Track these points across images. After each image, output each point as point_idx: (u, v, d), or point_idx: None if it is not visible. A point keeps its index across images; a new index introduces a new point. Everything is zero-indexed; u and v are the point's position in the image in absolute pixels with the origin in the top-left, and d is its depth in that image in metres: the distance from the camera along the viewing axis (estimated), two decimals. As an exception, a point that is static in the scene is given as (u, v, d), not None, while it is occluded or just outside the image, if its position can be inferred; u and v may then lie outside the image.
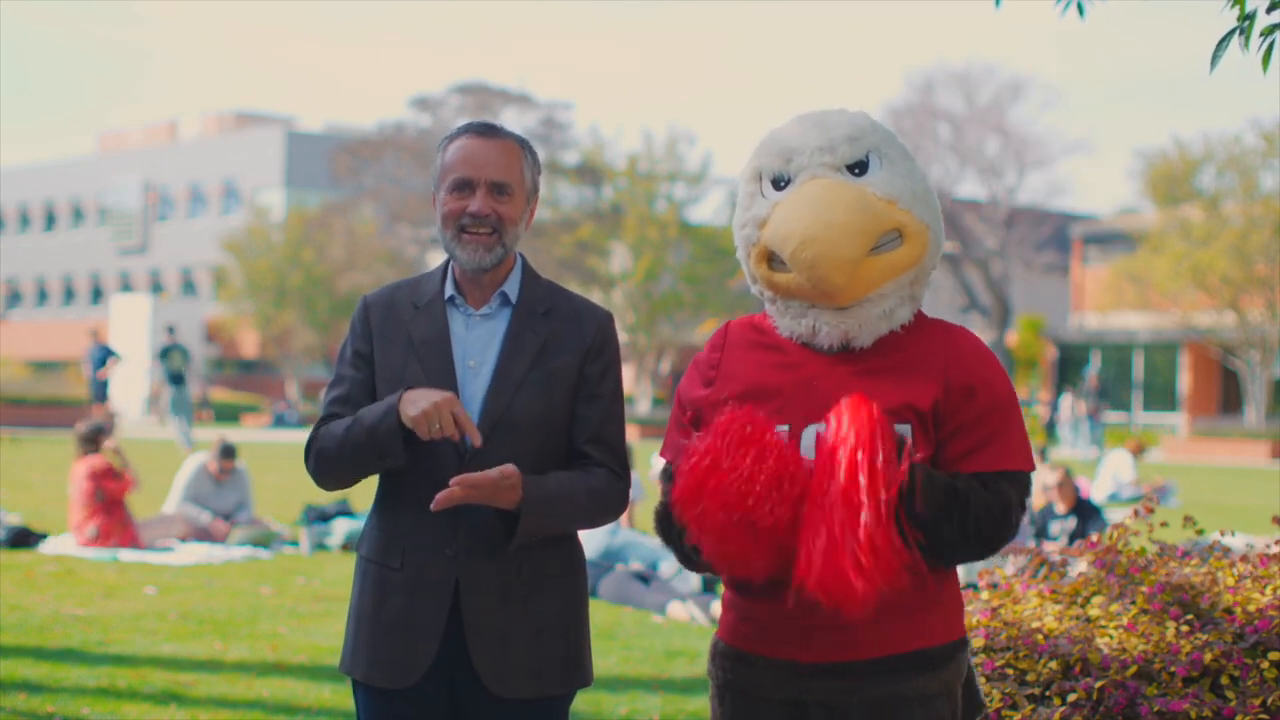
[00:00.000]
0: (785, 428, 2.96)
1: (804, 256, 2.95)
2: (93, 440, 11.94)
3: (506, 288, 3.30)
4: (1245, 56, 3.82)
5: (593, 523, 3.29)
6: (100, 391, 25.44)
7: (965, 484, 2.93)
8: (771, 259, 3.04)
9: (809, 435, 2.95)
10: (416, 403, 3.09)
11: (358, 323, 3.33)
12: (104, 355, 25.31)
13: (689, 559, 3.06)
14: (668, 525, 3.07)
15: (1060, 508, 11.36)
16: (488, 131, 3.29)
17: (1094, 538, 4.65)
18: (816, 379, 3.01)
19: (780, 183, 3.06)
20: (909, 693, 2.97)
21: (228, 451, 12.68)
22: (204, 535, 12.15)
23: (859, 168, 3.03)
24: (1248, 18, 3.81)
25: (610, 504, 3.28)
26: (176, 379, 24.40)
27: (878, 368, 3.00)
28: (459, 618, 3.20)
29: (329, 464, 3.26)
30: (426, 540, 3.21)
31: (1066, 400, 33.60)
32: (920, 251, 3.03)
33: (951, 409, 2.98)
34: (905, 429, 2.95)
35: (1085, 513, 11.40)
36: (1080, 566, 4.78)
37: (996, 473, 2.98)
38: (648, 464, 15.73)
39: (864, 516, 2.77)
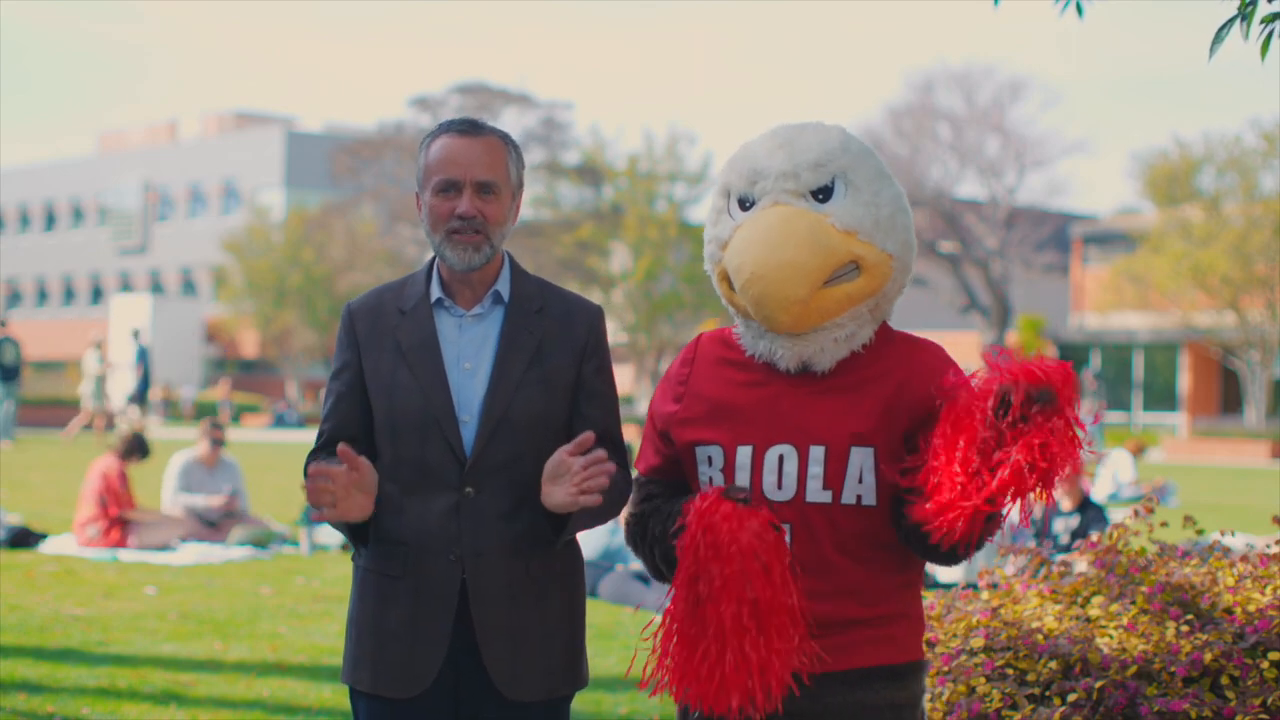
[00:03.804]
0: (749, 447, 2.98)
1: (751, 293, 2.94)
2: (126, 449, 11.98)
3: (498, 286, 3.27)
4: (1245, 56, 3.82)
5: (614, 512, 3.28)
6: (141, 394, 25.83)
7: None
8: (731, 280, 3.04)
9: (772, 456, 2.96)
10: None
11: (343, 333, 3.30)
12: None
13: (659, 570, 3.11)
14: (639, 535, 3.13)
15: (1066, 504, 11.35)
16: (470, 129, 3.25)
17: (1094, 537, 4.65)
18: (779, 398, 3.00)
19: (746, 203, 3.03)
20: (878, 701, 2.98)
21: (218, 438, 12.65)
22: (205, 534, 12.13)
23: (823, 194, 2.98)
24: (1249, 5, 3.80)
25: (626, 495, 3.28)
26: (8, 374, 23.96)
27: (837, 388, 2.99)
28: (464, 622, 3.18)
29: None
30: (428, 546, 3.18)
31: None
32: (879, 283, 3.00)
33: (916, 427, 2.97)
34: (868, 452, 2.94)
35: (1089, 511, 11.40)
36: (1080, 566, 4.78)
37: None
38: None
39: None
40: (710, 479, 3.02)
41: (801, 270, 2.91)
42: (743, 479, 2.97)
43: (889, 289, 3.03)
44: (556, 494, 3.09)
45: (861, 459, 2.94)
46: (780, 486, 2.96)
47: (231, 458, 13.00)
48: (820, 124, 3.07)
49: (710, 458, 3.02)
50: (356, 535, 3.22)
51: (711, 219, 3.10)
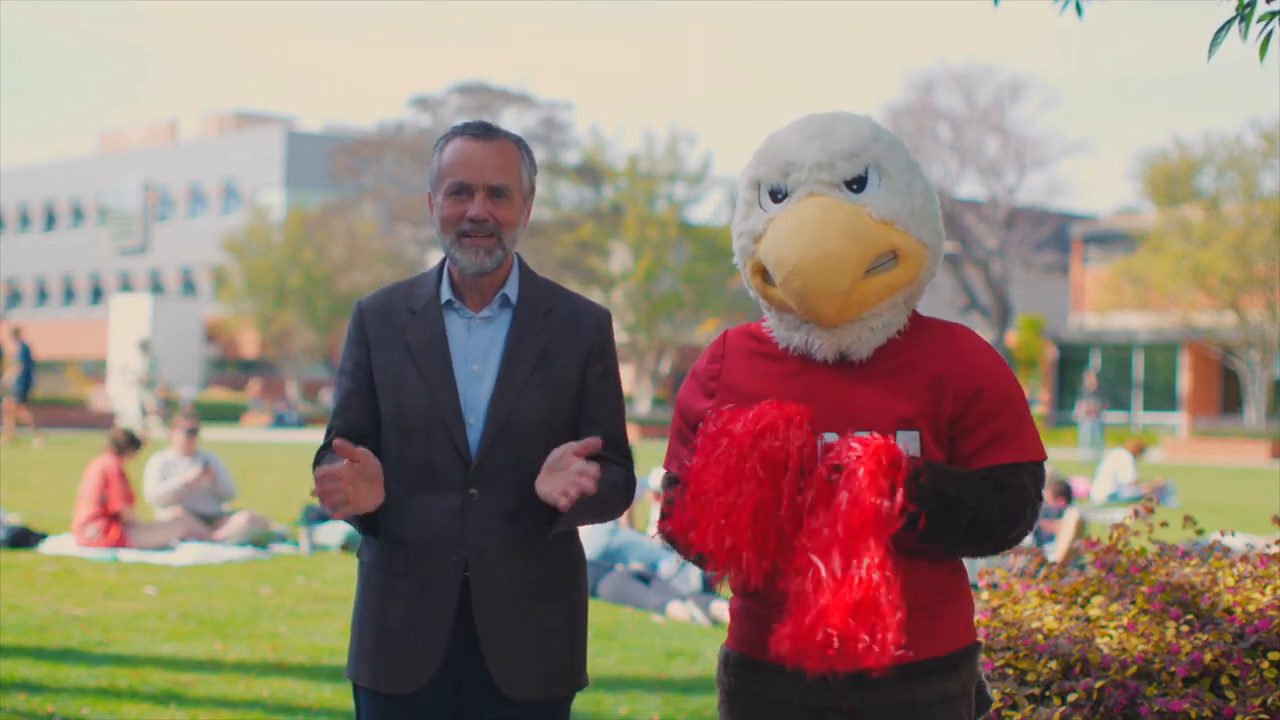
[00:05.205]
0: None
1: (794, 286, 2.93)
2: (119, 444, 11.97)
3: (507, 289, 3.29)
4: (1245, 56, 3.82)
5: (615, 514, 3.31)
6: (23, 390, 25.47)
7: (969, 490, 2.91)
8: (766, 273, 3.02)
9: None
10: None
11: (353, 330, 3.32)
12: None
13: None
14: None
15: None
16: (485, 133, 3.26)
17: (1093, 537, 4.65)
18: (816, 387, 2.99)
19: (778, 195, 3.02)
20: (929, 696, 2.97)
21: (192, 428, 12.67)
22: (204, 534, 12.13)
23: (857, 184, 2.98)
24: (1247, 5, 3.79)
25: (627, 497, 3.30)
26: None
27: (877, 374, 2.98)
28: (465, 621, 3.19)
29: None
30: (432, 546, 3.20)
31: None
32: (916, 271, 3.01)
33: (960, 410, 2.97)
34: (913, 435, 2.94)
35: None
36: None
37: (1012, 465, 2.98)
38: (647, 465, 15.72)
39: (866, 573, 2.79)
40: None
41: (844, 261, 2.91)
42: None
43: (923, 277, 3.03)
44: (545, 485, 3.10)
45: (907, 443, 2.93)
46: None
47: (207, 449, 13.03)
48: (849, 114, 3.08)
49: None
50: (368, 527, 3.23)
51: (741, 212, 3.07)
